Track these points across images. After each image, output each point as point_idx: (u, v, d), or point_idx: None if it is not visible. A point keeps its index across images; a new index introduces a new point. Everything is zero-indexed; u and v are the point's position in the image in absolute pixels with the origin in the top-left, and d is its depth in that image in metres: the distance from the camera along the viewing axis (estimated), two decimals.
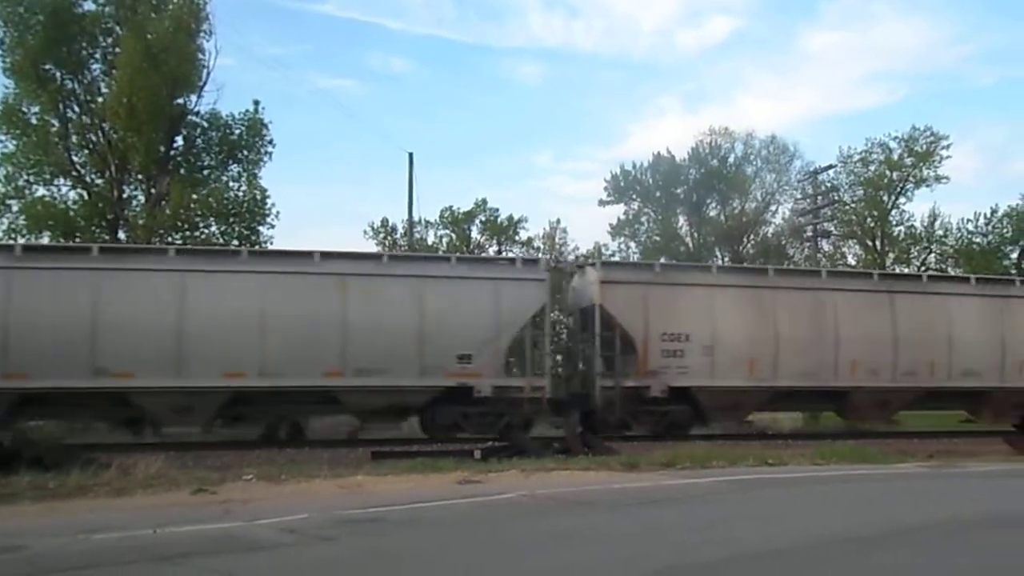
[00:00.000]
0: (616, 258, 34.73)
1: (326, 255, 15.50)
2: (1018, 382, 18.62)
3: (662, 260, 20.71)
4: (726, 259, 36.09)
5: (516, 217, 34.28)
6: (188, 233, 23.49)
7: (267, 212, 24.71)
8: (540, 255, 16.48)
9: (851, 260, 35.16)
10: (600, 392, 16.30)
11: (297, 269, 15.13)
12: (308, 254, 15.45)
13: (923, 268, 32.64)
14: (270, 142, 25.36)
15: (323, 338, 14.76)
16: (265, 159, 25.40)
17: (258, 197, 24.59)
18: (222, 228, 24.14)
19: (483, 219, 34.19)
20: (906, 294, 18.36)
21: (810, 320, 17.44)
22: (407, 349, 15.14)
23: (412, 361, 15.16)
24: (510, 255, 16.12)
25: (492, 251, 33.45)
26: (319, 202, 60.42)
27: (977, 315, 18.54)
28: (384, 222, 34.33)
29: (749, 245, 37.42)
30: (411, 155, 27.07)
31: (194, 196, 23.51)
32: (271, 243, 24.90)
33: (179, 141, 24.56)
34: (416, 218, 31.14)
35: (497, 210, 34.23)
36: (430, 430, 15.76)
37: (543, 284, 16.37)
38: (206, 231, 24.01)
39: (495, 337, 15.58)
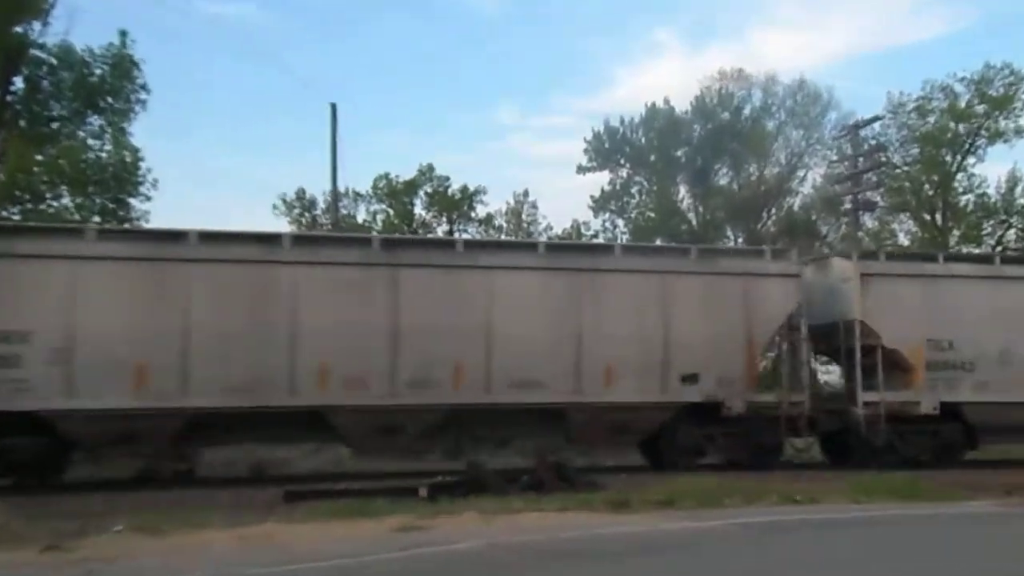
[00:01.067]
0: (599, 238, 34.86)
1: None
2: (605, 396, 17.11)
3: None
4: (739, 240, 36.52)
5: (472, 188, 34.44)
6: (31, 206, 23.10)
7: (140, 179, 24.54)
8: None
9: (903, 239, 35.69)
10: None
11: None
12: None
13: (999, 247, 33.07)
14: (143, 87, 25.28)
15: None
16: (137, 109, 25.32)
17: (127, 159, 24.36)
18: (78, 200, 23.81)
19: (429, 190, 34.26)
20: (421, 268, 16.74)
21: (251, 308, 15.77)
22: None
23: None
24: None
25: (442, 231, 33.52)
26: (214, 168, 59.91)
27: (540, 297, 17.07)
28: (300, 195, 34.39)
29: (770, 222, 37.94)
30: (334, 107, 27.02)
31: (39, 157, 23.18)
32: (146, 220, 24.63)
33: (18, 83, 24.23)
34: (342, 189, 31.06)
35: (448, 179, 34.42)
36: None
37: None
38: (55, 203, 23.64)
39: None
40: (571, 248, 19.63)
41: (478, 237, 19.30)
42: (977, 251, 32.04)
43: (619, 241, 33.55)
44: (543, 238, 32.94)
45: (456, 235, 30.54)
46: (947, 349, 18.76)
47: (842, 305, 18.93)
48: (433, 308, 16.44)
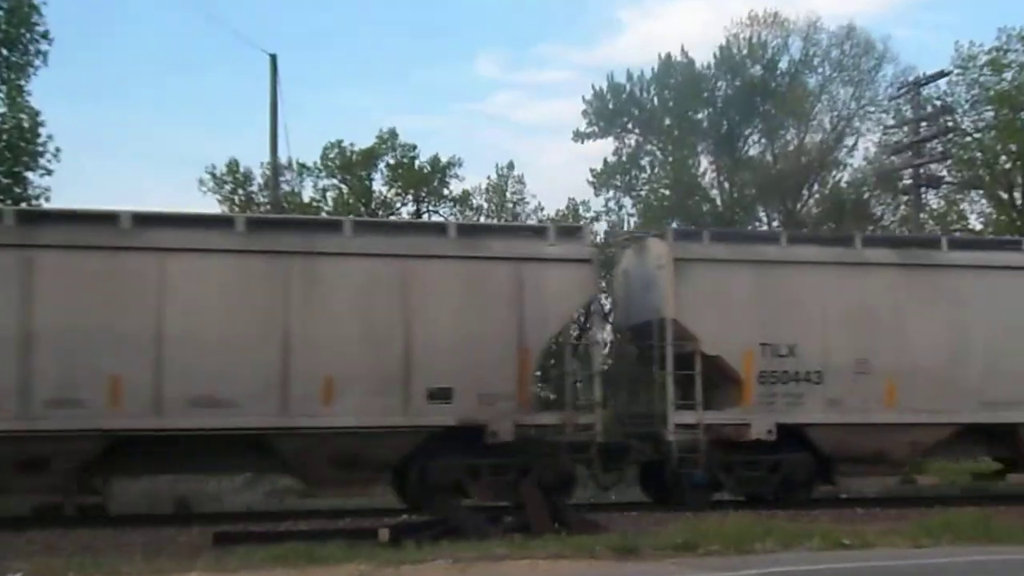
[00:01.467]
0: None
1: None
2: (323, 419, 16.22)
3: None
4: (774, 221, 36.57)
5: (444, 159, 34.60)
6: None
7: (40, 148, 24.46)
8: None
9: (974, 222, 35.69)
10: None
11: None
12: None
13: None
14: (44, 36, 25.12)
15: None
16: (37, 63, 25.19)
17: (25, 124, 24.30)
18: None
19: (392, 162, 34.24)
20: (66, 250, 15.81)
21: None
22: None
23: None
24: None
25: (408, 212, 33.42)
26: (132, 136, 59.48)
27: (233, 289, 16.28)
28: (232, 167, 34.32)
29: (811, 201, 38.00)
30: (274, 58, 26.80)
31: None
32: (47, 198, 24.51)
33: None
34: (285, 160, 30.83)
35: (414, 148, 34.54)
36: None
37: None
38: None
39: None
40: (281, 225, 18.70)
41: (151, 210, 17.37)
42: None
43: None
44: (532, 220, 32.88)
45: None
46: (787, 356, 17.83)
47: (656, 299, 18.15)
48: (83, 303, 15.54)
